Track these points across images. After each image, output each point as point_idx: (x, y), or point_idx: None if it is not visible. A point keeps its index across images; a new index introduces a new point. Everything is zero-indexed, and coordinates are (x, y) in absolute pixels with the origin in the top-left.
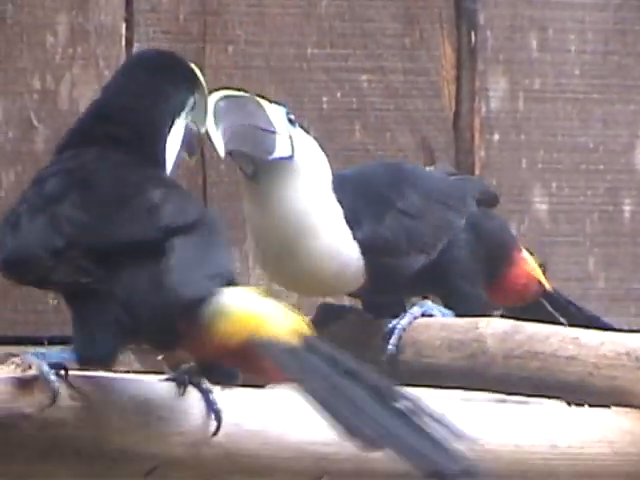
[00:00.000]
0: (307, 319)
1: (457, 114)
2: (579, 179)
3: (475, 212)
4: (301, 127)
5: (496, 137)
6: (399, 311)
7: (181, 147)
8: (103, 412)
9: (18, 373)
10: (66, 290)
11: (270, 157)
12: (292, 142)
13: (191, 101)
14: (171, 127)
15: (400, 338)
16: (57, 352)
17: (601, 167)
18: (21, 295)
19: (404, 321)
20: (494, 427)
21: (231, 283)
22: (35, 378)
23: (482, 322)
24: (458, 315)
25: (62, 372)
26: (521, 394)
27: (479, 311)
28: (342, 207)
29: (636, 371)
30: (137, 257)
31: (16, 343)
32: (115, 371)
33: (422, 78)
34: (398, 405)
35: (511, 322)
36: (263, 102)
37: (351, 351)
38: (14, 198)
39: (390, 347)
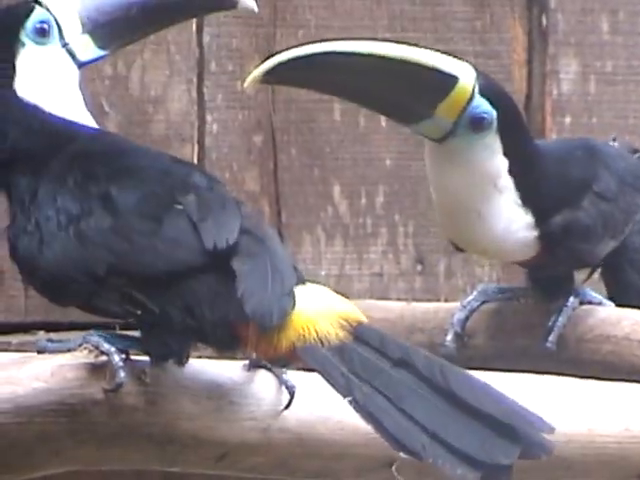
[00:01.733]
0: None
1: (529, 97)
2: None
3: None
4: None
5: (568, 120)
6: (566, 291)
7: None
8: (174, 397)
9: (91, 358)
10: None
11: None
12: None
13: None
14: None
15: (561, 335)
16: (125, 340)
17: None
18: None
19: (563, 318)
20: (567, 410)
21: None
22: (107, 363)
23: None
24: (619, 305)
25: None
26: (594, 377)
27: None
28: (540, 179)
29: None
30: (189, 278)
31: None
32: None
33: (493, 61)
34: (452, 388)
35: (583, 306)
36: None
37: (514, 337)
38: None
39: (549, 345)
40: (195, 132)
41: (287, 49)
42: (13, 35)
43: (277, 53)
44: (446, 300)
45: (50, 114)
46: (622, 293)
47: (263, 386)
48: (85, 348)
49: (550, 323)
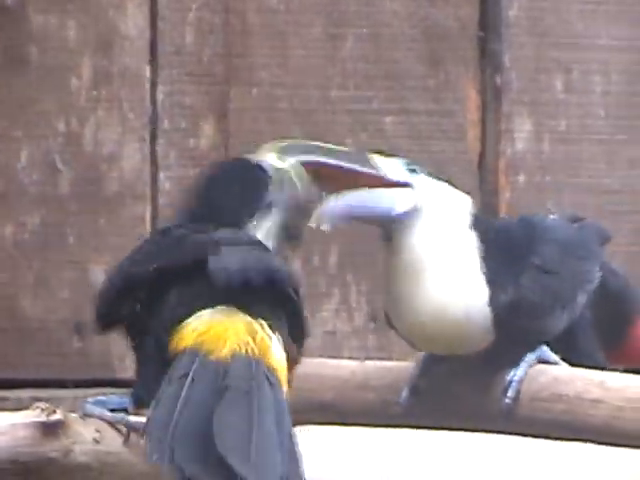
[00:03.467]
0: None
1: (482, 156)
2: (604, 220)
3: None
4: (430, 174)
5: (521, 179)
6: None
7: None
8: (126, 457)
9: (43, 417)
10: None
11: (395, 213)
12: (415, 192)
13: (266, 200)
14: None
15: (519, 391)
16: (118, 398)
17: (626, 208)
18: (46, 338)
19: (520, 372)
20: (518, 468)
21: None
22: (60, 422)
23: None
24: (572, 366)
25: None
26: (547, 437)
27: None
28: (481, 253)
29: None
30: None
31: (42, 386)
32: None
33: (447, 120)
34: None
35: (537, 365)
36: (376, 158)
37: (467, 396)
38: (39, 241)
39: (507, 401)
40: (148, 190)
41: (241, 106)
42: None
43: (231, 111)
44: (399, 358)
45: None
46: (574, 356)
47: None
48: (37, 407)
49: (508, 377)
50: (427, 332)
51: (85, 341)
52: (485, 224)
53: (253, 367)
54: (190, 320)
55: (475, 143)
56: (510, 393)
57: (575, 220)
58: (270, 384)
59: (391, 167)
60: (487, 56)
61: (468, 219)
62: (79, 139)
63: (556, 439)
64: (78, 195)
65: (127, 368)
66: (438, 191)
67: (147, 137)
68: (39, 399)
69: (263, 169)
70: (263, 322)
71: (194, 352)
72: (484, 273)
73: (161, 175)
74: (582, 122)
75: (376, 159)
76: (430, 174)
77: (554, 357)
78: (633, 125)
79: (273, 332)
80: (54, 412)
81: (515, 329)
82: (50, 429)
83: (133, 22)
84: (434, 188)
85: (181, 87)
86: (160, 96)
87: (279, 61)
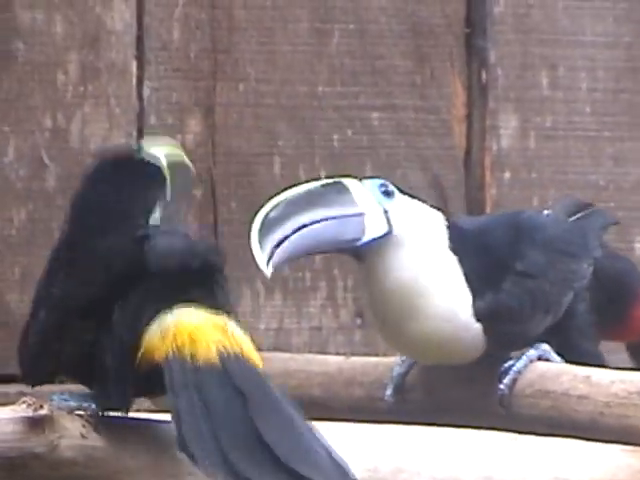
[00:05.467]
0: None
1: (468, 152)
2: None
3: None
4: (406, 193)
5: (507, 175)
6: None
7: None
8: (113, 452)
9: (29, 412)
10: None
11: (361, 242)
12: (388, 216)
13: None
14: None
15: (515, 380)
16: (81, 395)
17: (612, 205)
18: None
19: (520, 364)
20: (502, 462)
21: None
22: (46, 417)
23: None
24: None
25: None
26: (533, 433)
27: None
28: (462, 267)
29: None
30: None
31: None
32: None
33: (433, 116)
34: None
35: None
36: (348, 183)
37: (452, 392)
38: (25, 236)
39: (502, 388)
40: None
41: (228, 102)
42: None
43: (217, 106)
44: (385, 354)
45: None
46: (570, 355)
47: None
48: (24, 402)
49: (506, 365)
50: (419, 351)
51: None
52: (463, 234)
53: (243, 365)
54: (153, 327)
55: (461, 139)
56: (506, 380)
57: (578, 210)
58: (262, 375)
59: (364, 194)
60: (473, 53)
61: (444, 235)
62: (66, 134)
63: (543, 435)
64: (65, 190)
65: None
66: (411, 213)
67: (134, 133)
68: (26, 394)
69: (150, 165)
70: (223, 313)
71: (180, 359)
72: (468, 287)
73: None
74: (568, 118)
75: (351, 187)
76: (404, 193)
77: (555, 356)
78: (619, 121)
79: (231, 319)
80: (41, 407)
81: (499, 334)
82: (36, 424)
83: (120, 18)
84: (407, 210)
85: (168, 83)
86: (147, 92)
87: (266, 57)
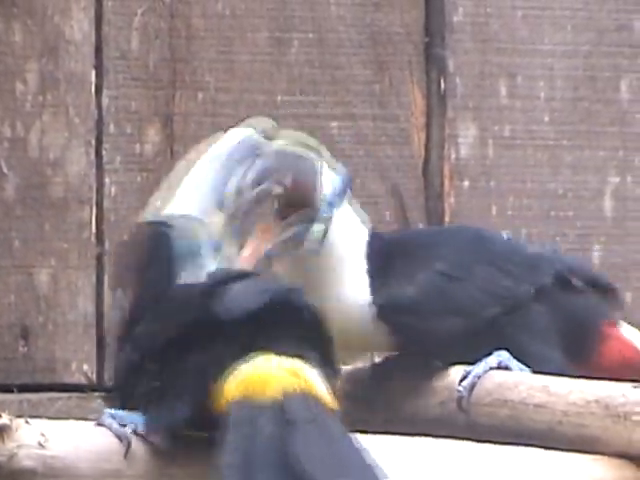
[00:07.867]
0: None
1: (427, 161)
2: (549, 226)
3: (550, 287)
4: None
5: (466, 184)
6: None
7: None
8: (72, 462)
9: None
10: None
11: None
12: (325, 233)
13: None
14: None
15: (473, 385)
16: (129, 415)
17: (570, 214)
18: None
19: (479, 369)
20: (464, 471)
21: None
22: (4, 427)
23: (454, 369)
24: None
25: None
26: (492, 442)
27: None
28: (370, 270)
29: (605, 419)
30: None
31: None
32: (86, 419)
33: (392, 125)
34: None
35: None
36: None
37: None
38: None
39: (460, 390)
40: (94, 194)
41: (186, 111)
42: None
43: (176, 115)
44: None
45: None
46: (529, 363)
47: None
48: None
49: (466, 370)
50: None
51: (30, 346)
52: (385, 243)
53: (308, 399)
54: (230, 376)
55: (420, 148)
56: (465, 383)
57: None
58: (326, 411)
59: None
60: (432, 61)
61: (362, 247)
62: (25, 144)
63: (501, 444)
64: (23, 200)
65: (72, 373)
66: (341, 230)
67: (93, 142)
68: None
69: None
70: (301, 361)
71: (244, 400)
72: (370, 278)
73: (106, 180)
74: (526, 127)
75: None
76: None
77: (515, 364)
78: (577, 130)
79: (312, 368)
80: None
81: (402, 328)
82: None
83: (78, 26)
84: (339, 227)
85: (126, 92)
86: (105, 101)
87: (225, 66)
